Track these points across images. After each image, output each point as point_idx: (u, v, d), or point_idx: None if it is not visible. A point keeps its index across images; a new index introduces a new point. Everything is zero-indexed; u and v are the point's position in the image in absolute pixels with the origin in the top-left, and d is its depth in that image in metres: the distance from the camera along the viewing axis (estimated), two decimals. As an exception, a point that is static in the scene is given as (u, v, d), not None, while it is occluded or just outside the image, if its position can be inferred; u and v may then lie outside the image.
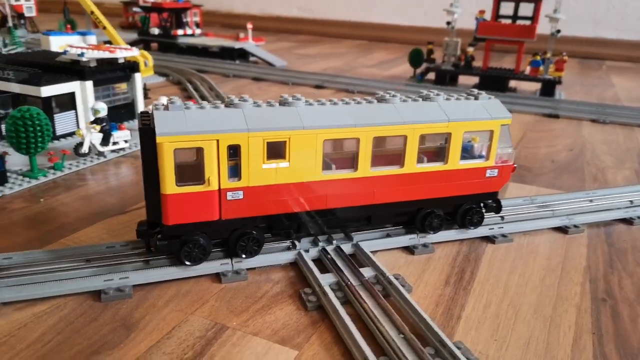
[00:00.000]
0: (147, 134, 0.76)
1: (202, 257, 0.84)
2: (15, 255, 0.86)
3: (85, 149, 1.36)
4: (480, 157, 0.98)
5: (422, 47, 2.75)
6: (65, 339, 0.70)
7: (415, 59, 2.74)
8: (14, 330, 0.71)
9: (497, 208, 1.03)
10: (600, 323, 0.79)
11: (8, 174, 1.23)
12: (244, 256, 0.87)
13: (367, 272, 0.86)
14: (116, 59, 1.64)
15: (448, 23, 2.50)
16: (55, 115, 1.50)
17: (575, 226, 1.08)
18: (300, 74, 2.70)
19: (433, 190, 0.95)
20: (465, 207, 1.00)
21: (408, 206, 0.96)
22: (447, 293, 0.85)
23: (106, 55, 1.57)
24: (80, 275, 0.82)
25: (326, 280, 0.84)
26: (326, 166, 0.89)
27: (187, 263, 0.84)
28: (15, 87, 1.48)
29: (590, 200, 1.19)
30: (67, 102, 1.54)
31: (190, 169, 0.80)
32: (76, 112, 1.55)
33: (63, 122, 1.53)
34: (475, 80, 2.59)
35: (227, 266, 0.86)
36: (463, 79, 2.66)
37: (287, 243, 0.93)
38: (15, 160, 1.28)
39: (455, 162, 0.95)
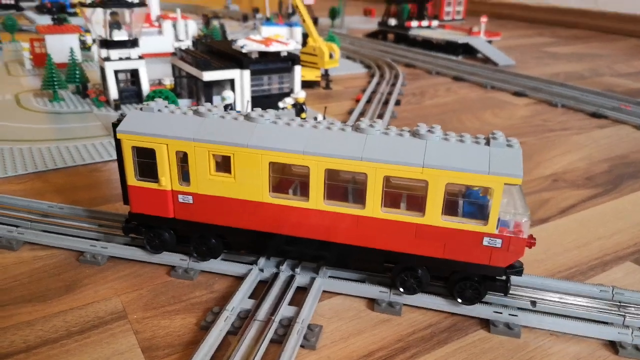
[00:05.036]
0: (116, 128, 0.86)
1: (160, 247, 0.91)
2: (66, 207, 1.09)
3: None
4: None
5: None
6: (26, 283, 0.88)
7: (673, 71, 2.10)
8: (10, 265, 0.92)
9: (504, 288, 0.78)
10: None
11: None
12: (195, 255, 0.90)
13: (286, 312, 0.79)
14: (279, 52, 1.80)
15: None
16: (213, 97, 1.75)
17: (638, 348, 0.73)
18: (511, 77, 2.39)
19: (407, 244, 0.79)
20: (459, 276, 0.79)
21: (373, 254, 0.82)
22: (353, 366, 0.71)
23: (261, 47, 1.73)
24: (83, 236, 0.99)
25: (242, 305, 0.80)
26: (281, 189, 0.84)
27: (148, 248, 0.92)
28: (192, 71, 1.78)
29: None
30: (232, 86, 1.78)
31: (150, 166, 0.87)
32: (234, 96, 1.77)
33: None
34: None
35: (183, 263, 0.91)
36: None
37: (253, 257, 0.92)
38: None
39: (434, 216, 0.76)
